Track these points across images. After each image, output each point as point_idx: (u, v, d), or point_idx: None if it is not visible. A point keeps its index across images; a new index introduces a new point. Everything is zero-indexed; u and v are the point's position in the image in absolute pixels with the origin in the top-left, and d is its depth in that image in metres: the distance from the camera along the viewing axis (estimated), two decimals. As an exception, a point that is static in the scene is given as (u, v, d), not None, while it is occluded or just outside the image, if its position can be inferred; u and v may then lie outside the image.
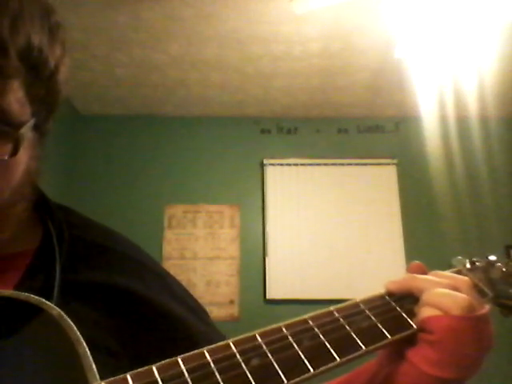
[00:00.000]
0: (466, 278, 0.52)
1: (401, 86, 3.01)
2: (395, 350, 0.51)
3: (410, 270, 0.55)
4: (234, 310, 3.08)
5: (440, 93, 3.05)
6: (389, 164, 3.35)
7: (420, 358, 0.47)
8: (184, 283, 0.63)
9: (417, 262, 0.56)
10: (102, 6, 2.29)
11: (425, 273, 0.54)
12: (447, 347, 0.46)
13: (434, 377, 0.46)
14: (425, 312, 0.49)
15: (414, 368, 0.47)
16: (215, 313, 3.03)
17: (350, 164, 3.35)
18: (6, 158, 0.44)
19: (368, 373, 0.53)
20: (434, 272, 0.54)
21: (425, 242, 3.14)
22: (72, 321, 0.41)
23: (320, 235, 3.21)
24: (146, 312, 0.53)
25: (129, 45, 2.63)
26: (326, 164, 3.34)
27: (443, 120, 3.35)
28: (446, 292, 0.49)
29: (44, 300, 0.42)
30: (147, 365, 0.39)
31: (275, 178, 3.32)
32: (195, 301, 0.62)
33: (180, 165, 3.37)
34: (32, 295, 0.42)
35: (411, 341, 0.49)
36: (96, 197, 3.18)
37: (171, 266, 3.09)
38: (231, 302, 3.10)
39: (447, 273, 0.55)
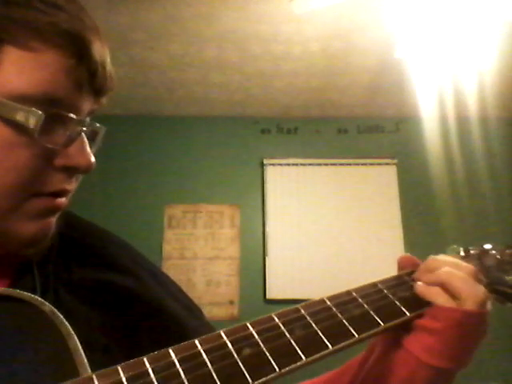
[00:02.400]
0: (470, 265, 0.51)
1: (401, 86, 3.01)
2: (390, 339, 0.50)
3: (400, 263, 0.55)
4: (234, 310, 3.08)
5: (440, 93, 3.04)
6: (389, 164, 3.35)
7: (419, 346, 0.46)
8: (184, 283, 0.63)
9: (407, 254, 0.56)
10: (102, 5, 2.29)
11: (416, 265, 0.54)
12: (451, 339, 0.45)
13: (432, 367, 0.45)
14: (436, 294, 0.48)
15: (412, 357, 0.46)
16: (215, 313, 3.02)
17: (350, 164, 3.34)
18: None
19: (362, 364, 0.53)
20: (442, 256, 0.54)
21: (425, 241, 3.13)
22: (66, 319, 0.41)
23: (320, 235, 3.20)
24: (141, 309, 0.53)
25: (129, 45, 2.63)
26: (326, 164, 3.34)
27: (443, 120, 3.34)
28: (468, 280, 0.48)
29: (36, 296, 0.42)
30: None
31: (275, 178, 3.31)
32: (189, 298, 0.62)
33: (180, 165, 3.37)
34: (24, 292, 0.42)
35: (407, 329, 0.48)
36: (96, 197, 3.18)
37: (171, 266, 3.09)
38: (231, 302, 3.09)
39: (453, 258, 0.54)
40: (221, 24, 2.46)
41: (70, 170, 0.48)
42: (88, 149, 0.48)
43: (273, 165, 3.34)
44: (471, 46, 2.45)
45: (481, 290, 0.47)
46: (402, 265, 0.56)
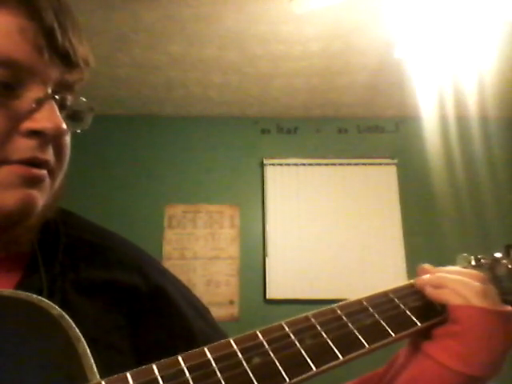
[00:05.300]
0: (479, 273, 0.51)
1: (401, 86, 3.01)
2: (412, 350, 0.49)
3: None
4: (234, 310, 3.08)
5: (440, 93, 3.04)
6: (389, 164, 3.35)
7: (442, 351, 0.45)
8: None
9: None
10: (102, 6, 2.28)
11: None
12: (474, 339, 0.44)
13: (458, 373, 0.44)
14: (448, 294, 0.47)
15: (436, 364, 0.45)
16: (215, 313, 2.95)
17: (350, 164, 3.34)
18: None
19: (382, 376, 0.52)
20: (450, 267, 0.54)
21: (425, 242, 3.13)
22: (74, 319, 0.41)
23: (320, 235, 3.20)
24: (148, 306, 0.53)
25: (129, 45, 2.63)
26: (326, 164, 3.34)
27: (443, 120, 3.34)
28: (461, 279, 0.48)
29: (44, 299, 0.42)
30: (149, 360, 0.39)
31: (275, 178, 3.31)
32: (196, 297, 0.62)
33: (180, 165, 3.36)
34: (32, 294, 0.42)
35: (428, 337, 0.47)
36: (96, 197, 3.18)
37: (171, 266, 3.08)
38: (231, 302, 3.09)
39: (462, 269, 0.54)
40: (221, 24, 2.46)
41: (39, 136, 0.45)
42: (57, 113, 0.46)
43: (273, 165, 3.34)
44: (471, 45, 2.45)
45: (475, 285, 0.47)
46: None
